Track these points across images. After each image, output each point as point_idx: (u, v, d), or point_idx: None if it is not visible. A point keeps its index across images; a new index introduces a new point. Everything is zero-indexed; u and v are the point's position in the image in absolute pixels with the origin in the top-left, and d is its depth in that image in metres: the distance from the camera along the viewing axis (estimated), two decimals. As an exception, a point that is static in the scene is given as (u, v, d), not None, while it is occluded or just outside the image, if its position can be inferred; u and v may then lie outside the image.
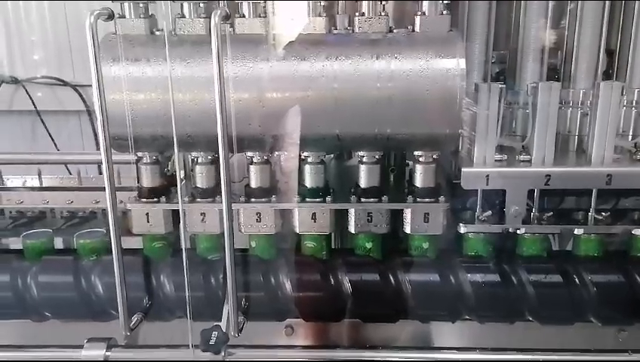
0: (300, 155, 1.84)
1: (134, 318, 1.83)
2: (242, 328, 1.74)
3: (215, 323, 1.74)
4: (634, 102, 1.84)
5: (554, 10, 1.88)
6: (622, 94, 1.76)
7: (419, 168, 1.82)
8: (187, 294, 1.77)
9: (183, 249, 1.78)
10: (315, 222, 1.87)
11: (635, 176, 1.74)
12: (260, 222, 1.89)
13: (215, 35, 1.52)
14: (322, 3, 1.69)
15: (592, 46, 1.87)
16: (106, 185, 1.65)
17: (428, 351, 1.90)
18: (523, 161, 1.79)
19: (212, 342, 1.69)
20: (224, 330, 1.71)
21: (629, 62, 1.86)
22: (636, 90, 1.84)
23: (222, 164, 1.61)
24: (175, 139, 1.68)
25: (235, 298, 1.71)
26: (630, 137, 1.86)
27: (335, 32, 1.73)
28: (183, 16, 1.75)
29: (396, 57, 1.63)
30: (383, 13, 1.70)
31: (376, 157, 1.82)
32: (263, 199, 1.87)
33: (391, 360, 1.86)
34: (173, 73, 1.67)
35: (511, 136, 1.91)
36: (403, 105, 1.64)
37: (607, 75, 1.94)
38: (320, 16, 1.72)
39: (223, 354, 1.71)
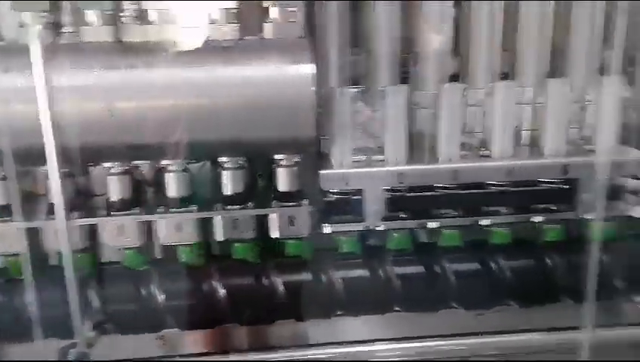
0: (162, 164, 1.82)
1: None
2: (95, 342, 1.69)
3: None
4: (477, 101, 1.99)
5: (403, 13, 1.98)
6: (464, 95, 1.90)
7: (281, 172, 1.85)
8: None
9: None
10: (180, 232, 1.85)
11: (479, 170, 1.89)
12: (122, 235, 1.84)
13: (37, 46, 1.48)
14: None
15: (440, 49, 2.00)
16: None
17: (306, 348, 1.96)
18: (378, 161, 1.88)
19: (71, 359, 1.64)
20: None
21: (470, 64, 2.00)
22: (479, 91, 1.99)
23: (52, 179, 1.57)
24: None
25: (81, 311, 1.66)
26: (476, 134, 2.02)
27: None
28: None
29: (248, 64, 1.65)
30: (233, 21, 1.71)
31: (240, 163, 1.84)
32: (124, 211, 1.82)
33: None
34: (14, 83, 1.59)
35: (367, 136, 2.00)
36: (257, 111, 1.66)
37: (455, 78, 2.08)
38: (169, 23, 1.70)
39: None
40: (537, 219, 1.89)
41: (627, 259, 1.79)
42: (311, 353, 1.98)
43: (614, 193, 1.89)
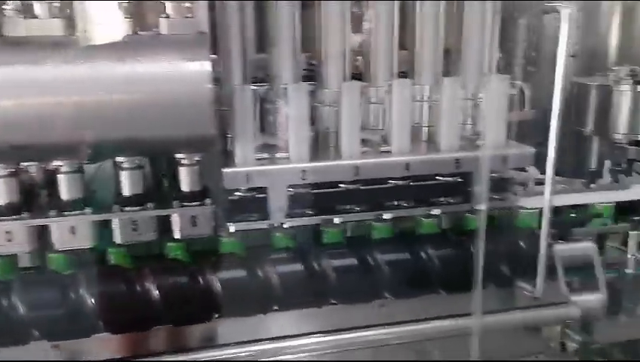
0: (53, 165, 1.73)
1: None
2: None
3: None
4: (378, 99, 2.05)
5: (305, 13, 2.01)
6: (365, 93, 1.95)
7: (182, 171, 1.81)
8: None
9: None
10: (74, 236, 1.77)
11: (379, 166, 1.94)
12: (11, 241, 1.73)
13: None
14: (55, 4, 1.60)
15: (339, 49, 2.04)
16: None
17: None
18: (282, 159, 1.89)
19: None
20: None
21: (371, 64, 2.06)
22: (378, 89, 2.04)
23: None
24: None
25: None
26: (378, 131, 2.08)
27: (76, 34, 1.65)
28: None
29: (140, 60, 1.60)
30: (126, 16, 1.66)
31: (137, 162, 1.78)
32: (13, 216, 1.71)
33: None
34: None
35: (273, 134, 2.01)
36: (152, 108, 1.61)
37: (356, 77, 2.14)
38: (56, 17, 1.62)
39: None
40: (435, 211, 1.98)
41: (514, 247, 1.92)
42: (230, 352, 1.94)
43: (505, 185, 2.01)
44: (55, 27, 1.64)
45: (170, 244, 1.88)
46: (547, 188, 1.80)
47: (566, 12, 1.60)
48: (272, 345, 1.85)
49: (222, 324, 1.97)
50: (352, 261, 1.91)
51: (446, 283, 1.89)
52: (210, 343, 2.00)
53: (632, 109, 2.53)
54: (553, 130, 1.77)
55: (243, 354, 1.91)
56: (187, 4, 1.68)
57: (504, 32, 1.85)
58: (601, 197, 2.19)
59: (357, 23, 2.10)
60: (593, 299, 2.00)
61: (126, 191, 1.79)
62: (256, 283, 1.88)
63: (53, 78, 1.55)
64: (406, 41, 2.15)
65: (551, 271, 1.96)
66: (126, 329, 1.89)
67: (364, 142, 2.00)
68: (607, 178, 2.33)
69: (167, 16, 1.68)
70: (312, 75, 2.17)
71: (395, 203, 1.97)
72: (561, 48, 1.66)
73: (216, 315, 1.92)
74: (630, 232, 2.15)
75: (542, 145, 3.09)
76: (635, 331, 2.21)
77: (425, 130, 2.10)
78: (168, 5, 1.68)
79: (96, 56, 1.57)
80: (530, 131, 2.21)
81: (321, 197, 1.92)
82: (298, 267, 1.90)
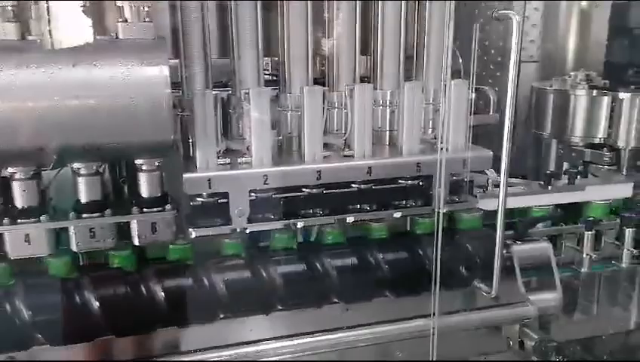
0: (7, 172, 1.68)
1: None
2: None
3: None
4: (340, 104, 2.07)
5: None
6: (324, 99, 1.97)
7: (142, 177, 1.79)
8: None
9: None
10: (29, 244, 1.73)
11: (341, 170, 1.95)
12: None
13: None
14: (9, 7, 1.56)
15: (301, 53, 2.04)
16: None
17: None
18: (244, 163, 1.89)
19: None
20: None
21: (333, 68, 2.08)
22: (340, 93, 2.06)
23: None
24: None
25: None
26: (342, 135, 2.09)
27: (30, 38, 1.61)
28: None
29: (96, 65, 1.57)
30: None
31: (94, 168, 1.75)
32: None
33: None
34: None
35: (238, 139, 2.01)
36: (108, 113, 1.59)
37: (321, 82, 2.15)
38: (10, 21, 1.58)
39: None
40: (397, 214, 2.00)
41: (472, 247, 1.95)
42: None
43: (464, 188, 2.05)
44: (9, 31, 1.60)
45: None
46: (501, 190, 1.84)
47: (516, 19, 1.64)
48: (234, 351, 1.84)
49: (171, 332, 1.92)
50: (301, 266, 1.90)
51: (405, 286, 1.92)
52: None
53: (588, 113, 2.63)
54: (506, 134, 1.81)
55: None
56: (146, 8, 1.66)
57: (471, 37, 1.88)
58: (557, 199, 2.26)
59: (326, 28, 2.12)
60: (550, 297, 2.06)
61: (83, 197, 1.76)
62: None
63: (8, 83, 1.51)
64: (369, 46, 2.18)
65: (508, 270, 2.01)
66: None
67: (327, 146, 2.02)
68: (565, 180, 2.39)
69: (125, 21, 1.66)
70: (277, 79, 2.18)
71: (358, 206, 1.99)
72: (513, 54, 1.70)
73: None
74: (585, 232, 2.22)
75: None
76: (591, 328, 2.29)
77: (387, 134, 2.14)
78: (126, 9, 1.66)
79: (53, 61, 1.54)
80: (496, 134, 2.26)
81: (283, 202, 1.92)
82: (246, 274, 1.89)
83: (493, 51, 2.92)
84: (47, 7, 1.57)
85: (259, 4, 1.94)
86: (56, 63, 1.55)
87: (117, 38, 1.66)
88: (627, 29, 2.48)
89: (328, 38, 2.09)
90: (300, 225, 1.96)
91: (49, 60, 1.55)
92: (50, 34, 1.56)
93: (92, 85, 1.57)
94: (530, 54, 3.07)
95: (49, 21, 1.65)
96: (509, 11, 1.68)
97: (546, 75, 3.04)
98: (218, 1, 2.02)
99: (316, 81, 2.14)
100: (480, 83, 2.47)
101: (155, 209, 1.80)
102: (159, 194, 1.82)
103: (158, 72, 1.61)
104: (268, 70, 2.55)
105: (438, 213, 1.71)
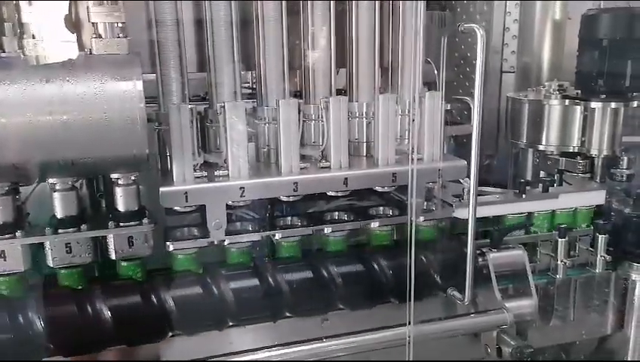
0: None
1: None
2: None
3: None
4: (314, 116, 2.09)
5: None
6: (299, 111, 1.99)
7: (118, 191, 1.80)
8: None
9: None
10: (5, 260, 1.72)
11: (317, 181, 1.97)
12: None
13: None
14: (-19, 23, 1.58)
15: (277, 66, 2.06)
16: None
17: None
18: (221, 176, 1.90)
19: None
20: None
21: (309, 81, 2.11)
22: (312, 106, 2.09)
23: None
24: None
25: None
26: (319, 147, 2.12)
27: (3, 55, 1.62)
28: None
29: (69, 80, 1.59)
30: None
31: (70, 183, 1.75)
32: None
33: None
34: None
35: (215, 152, 2.02)
36: (82, 129, 1.60)
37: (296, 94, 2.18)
38: (-18, 37, 1.60)
39: None
40: (374, 225, 2.02)
41: (446, 256, 1.98)
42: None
43: (439, 197, 2.08)
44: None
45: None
46: (471, 198, 1.87)
47: (480, 33, 1.68)
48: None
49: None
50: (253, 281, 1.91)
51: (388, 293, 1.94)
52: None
53: (561, 122, 2.68)
54: (474, 144, 1.84)
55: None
56: (120, 25, 1.68)
57: (452, 48, 1.92)
58: (531, 207, 2.30)
59: (301, 41, 2.15)
60: (526, 304, 2.09)
61: (59, 213, 1.76)
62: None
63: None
64: (344, 58, 2.21)
65: (485, 278, 2.04)
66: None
67: (304, 158, 2.04)
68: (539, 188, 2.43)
69: (99, 37, 1.67)
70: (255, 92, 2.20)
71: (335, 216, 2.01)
72: (479, 65, 1.74)
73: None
74: (559, 239, 2.26)
75: (490, 157, 3.24)
76: (567, 334, 2.32)
77: (365, 145, 2.17)
78: (100, 26, 1.68)
79: (26, 77, 1.55)
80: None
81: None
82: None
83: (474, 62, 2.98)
84: (23, 24, 1.59)
85: (235, 16, 1.97)
86: (32, 80, 1.57)
87: (91, 53, 1.69)
88: (596, 40, 2.54)
89: (304, 51, 2.12)
90: (277, 236, 1.98)
91: (21, 77, 1.56)
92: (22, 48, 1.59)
93: (66, 100, 1.59)
94: (511, 65, 3.14)
95: (33, 36, 1.68)
96: (474, 25, 1.73)
97: (525, 85, 3.11)
98: (194, 15, 2.03)
99: (295, 94, 2.17)
100: (464, 94, 2.51)
101: (132, 223, 1.82)
102: (136, 208, 1.83)
103: (132, 87, 1.62)
104: (249, 83, 2.60)
105: (411, 222, 1.74)
